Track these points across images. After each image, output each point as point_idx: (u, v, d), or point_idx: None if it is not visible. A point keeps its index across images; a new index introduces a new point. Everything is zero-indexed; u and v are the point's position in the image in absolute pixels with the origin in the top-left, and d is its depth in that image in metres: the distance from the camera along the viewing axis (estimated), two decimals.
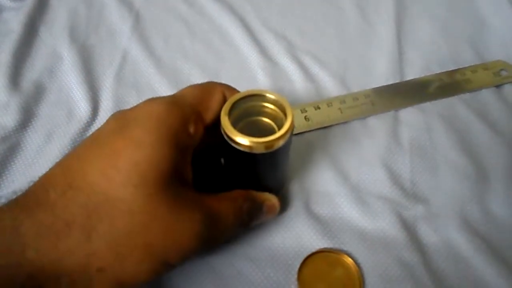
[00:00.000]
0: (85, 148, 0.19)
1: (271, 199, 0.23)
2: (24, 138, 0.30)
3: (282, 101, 0.21)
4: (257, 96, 0.22)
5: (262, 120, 0.22)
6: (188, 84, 0.27)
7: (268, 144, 0.20)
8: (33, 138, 0.30)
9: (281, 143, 0.20)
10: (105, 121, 0.20)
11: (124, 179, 0.17)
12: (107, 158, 0.17)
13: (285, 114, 0.21)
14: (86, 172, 0.17)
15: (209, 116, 0.21)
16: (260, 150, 0.20)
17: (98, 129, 0.19)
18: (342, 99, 0.32)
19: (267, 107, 0.22)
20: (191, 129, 0.19)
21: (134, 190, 0.17)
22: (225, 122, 0.20)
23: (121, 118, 0.19)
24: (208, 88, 0.21)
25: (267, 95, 0.22)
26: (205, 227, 0.18)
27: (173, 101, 0.20)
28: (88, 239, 0.16)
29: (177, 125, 0.19)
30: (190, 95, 0.21)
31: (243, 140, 0.19)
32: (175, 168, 0.18)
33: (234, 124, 0.20)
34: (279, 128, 0.20)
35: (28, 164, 0.28)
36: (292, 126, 0.20)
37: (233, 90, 0.22)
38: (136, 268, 0.17)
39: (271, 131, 0.20)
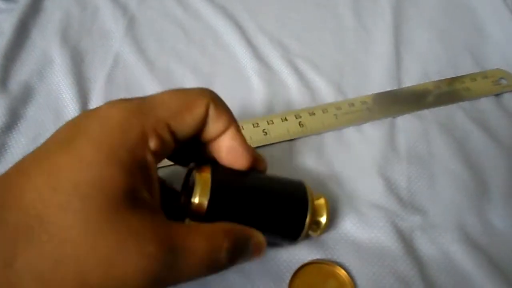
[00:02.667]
0: (28, 161, 0.16)
1: (258, 236, 0.19)
2: (10, 140, 0.29)
3: None
4: None
5: None
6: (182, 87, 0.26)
7: None
8: (18, 141, 0.29)
9: None
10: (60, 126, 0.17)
11: (62, 202, 0.14)
12: (47, 176, 0.15)
13: None
14: (24, 189, 0.15)
15: (182, 131, 0.18)
16: None
17: (48, 139, 0.17)
18: (337, 105, 0.31)
19: None
20: (152, 145, 0.17)
21: (72, 216, 0.14)
22: None
23: (73, 127, 0.17)
24: (190, 98, 0.19)
25: None
26: (158, 264, 0.15)
27: (137, 108, 0.17)
28: (9, 266, 0.14)
29: (135, 139, 0.16)
30: (164, 102, 0.18)
31: None
32: (128, 190, 0.15)
33: None
34: None
35: None
36: None
37: (221, 105, 0.19)
38: None
39: None
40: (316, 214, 0.22)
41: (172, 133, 0.18)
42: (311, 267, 0.23)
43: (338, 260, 0.24)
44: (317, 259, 0.24)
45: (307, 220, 0.22)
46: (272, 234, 0.22)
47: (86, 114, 0.17)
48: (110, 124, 0.16)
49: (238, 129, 0.20)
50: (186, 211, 0.20)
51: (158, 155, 0.18)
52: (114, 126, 0.16)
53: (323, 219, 0.23)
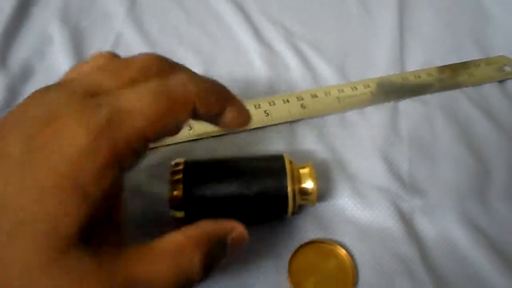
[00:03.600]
0: None
1: (236, 227, 0.17)
2: None
3: None
4: None
5: None
6: None
7: None
8: None
9: None
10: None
11: (9, 232, 0.12)
12: None
13: None
14: None
15: (161, 136, 0.16)
16: None
17: (3, 145, 0.14)
18: (340, 88, 0.31)
19: None
20: (124, 163, 0.14)
21: (16, 250, 0.12)
22: None
23: (28, 141, 0.13)
24: (173, 100, 0.15)
25: None
26: None
27: (108, 123, 0.14)
28: None
29: (103, 165, 0.13)
30: (141, 109, 0.14)
31: None
32: (84, 227, 0.13)
33: None
34: None
35: None
36: None
37: (209, 98, 0.17)
38: None
39: None
40: (300, 181, 0.22)
41: (149, 140, 0.15)
42: (311, 247, 0.23)
43: (338, 240, 0.24)
44: (317, 238, 0.24)
45: (289, 188, 0.22)
46: (261, 212, 0.23)
47: (46, 122, 0.14)
48: (74, 148, 0.13)
49: (233, 101, 0.18)
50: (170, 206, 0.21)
51: (130, 168, 0.15)
52: (79, 151, 0.13)
53: (309, 185, 0.22)
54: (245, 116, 0.19)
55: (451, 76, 0.32)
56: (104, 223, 0.14)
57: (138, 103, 0.14)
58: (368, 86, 0.31)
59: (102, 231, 0.14)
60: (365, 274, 0.23)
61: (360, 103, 0.30)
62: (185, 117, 0.16)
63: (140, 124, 0.14)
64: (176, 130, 0.16)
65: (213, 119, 0.18)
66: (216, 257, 0.16)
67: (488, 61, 0.34)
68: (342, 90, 0.31)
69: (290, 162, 0.23)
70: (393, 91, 0.31)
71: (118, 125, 0.14)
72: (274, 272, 0.23)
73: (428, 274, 0.23)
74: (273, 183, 0.22)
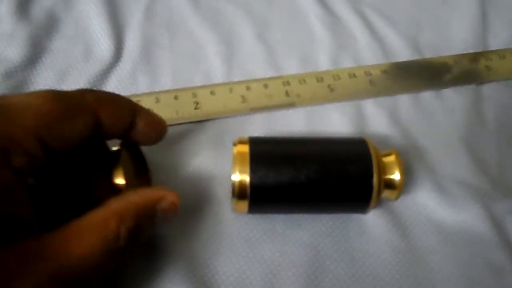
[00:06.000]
0: None
1: (168, 195, 0.16)
2: (32, 75, 0.24)
3: None
4: None
5: None
6: (233, 31, 0.23)
7: None
8: (42, 77, 0.25)
9: None
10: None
11: None
12: None
13: None
14: None
15: (61, 143, 0.15)
16: None
17: None
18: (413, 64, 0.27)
19: None
20: (15, 162, 0.14)
21: None
22: None
23: None
24: (70, 104, 0.15)
25: None
26: None
27: None
28: None
29: None
30: (32, 107, 0.14)
31: None
32: None
33: None
34: None
35: None
36: None
37: (110, 106, 0.17)
38: None
39: None
40: (385, 171, 0.19)
41: (46, 144, 0.15)
42: None
43: (418, 243, 0.20)
44: None
45: (375, 179, 0.18)
46: (337, 205, 0.19)
47: None
48: None
49: (143, 110, 0.18)
50: None
51: (25, 171, 0.14)
52: None
53: (396, 176, 0.19)
54: (160, 123, 0.19)
55: None
56: (13, 223, 0.14)
57: (30, 101, 0.14)
58: (446, 64, 0.27)
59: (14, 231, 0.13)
60: (453, 283, 0.19)
61: (437, 84, 0.26)
62: (83, 125, 0.15)
63: (31, 122, 0.14)
64: (74, 139, 0.16)
65: (123, 132, 0.17)
66: (144, 226, 0.16)
67: None
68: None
69: (374, 148, 0.19)
70: (473, 70, 0.27)
71: (8, 119, 0.14)
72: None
73: None
74: (357, 174, 0.18)
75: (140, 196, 0.16)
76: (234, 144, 0.19)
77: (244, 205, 0.18)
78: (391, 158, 0.19)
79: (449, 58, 0.27)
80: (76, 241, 0.14)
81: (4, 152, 0.13)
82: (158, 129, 0.19)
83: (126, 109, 0.17)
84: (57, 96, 0.15)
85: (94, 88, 0.24)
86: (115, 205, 0.15)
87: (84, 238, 0.14)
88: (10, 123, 0.14)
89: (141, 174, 0.19)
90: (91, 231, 0.14)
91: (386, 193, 0.19)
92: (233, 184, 0.18)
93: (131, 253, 0.16)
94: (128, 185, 0.18)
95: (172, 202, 0.17)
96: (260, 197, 0.18)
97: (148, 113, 0.18)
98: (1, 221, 0.13)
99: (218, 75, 0.25)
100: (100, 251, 0.14)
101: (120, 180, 0.18)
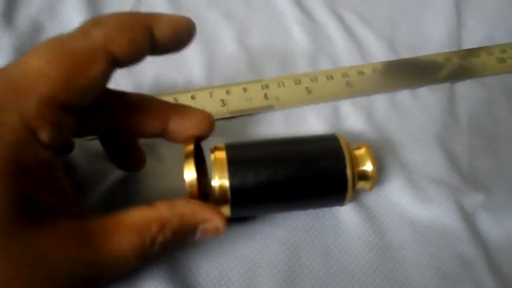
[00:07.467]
0: None
1: (214, 219, 0.16)
2: None
3: None
4: None
5: None
6: (214, 36, 0.21)
7: None
8: None
9: None
10: None
11: None
12: None
13: None
14: None
15: (83, 99, 0.14)
16: None
17: None
18: (389, 64, 0.27)
19: None
20: (43, 136, 0.13)
21: None
22: None
23: None
24: (79, 55, 0.14)
25: None
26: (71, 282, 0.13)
27: (8, 94, 0.13)
28: None
29: (14, 141, 0.13)
30: (44, 73, 0.13)
31: None
32: (19, 202, 0.13)
33: None
34: None
35: None
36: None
37: (122, 32, 0.15)
38: None
39: None
40: (358, 163, 0.20)
41: (69, 107, 0.14)
42: None
43: (392, 238, 0.21)
44: None
45: (348, 171, 0.19)
46: (315, 199, 0.20)
47: None
48: None
49: (157, 17, 0.16)
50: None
51: (57, 143, 0.14)
52: None
53: (369, 167, 0.20)
54: (183, 22, 0.16)
55: None
56: (45, 203, 0.14)
57: (39, 67, 0.13)
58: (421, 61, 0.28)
59: (44, 211, 0.13)
60: (425, 277, 0.20)
61: (412, 82, 0.27)
62: (98, 70, 0.14)
63: (47, 90, 0.13)
64: (97, 87, 0.15)
65: (147, 51, 0.16)
66: (181, 240, 0.16)
67: None
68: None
69: (346, 142, 0.20)
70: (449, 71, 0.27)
71: (23, 93, 0.13)
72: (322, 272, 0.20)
73: (494, 279, 0.20)
74: (331, 169, 0.19)
75: (188, 211, 0.16)
76: (212, 151, 0.19)
77: (226, 209, 0.19)
78: (362, 151, 0.20)
79: (426, 57, 0.28)
80: (117, 236, 0.14)
81: (28, 130, 0.13)
82: (183, 29, 0.16)
83: (139, 31, 0.15)
84: (60, 54, 0.14)
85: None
86: (162, 210, 0.15)
87: (124, 234, 0.14)
88: (29, 96, 0.13)
89: (202, 167, 0.20)
90: (132, 229, 0.14)
91: (360, 184, 0.20)
92: (213, 189, 0.18)
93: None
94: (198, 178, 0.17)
95: (216, 226, 0.16)
96: (241, 199, 0.18)
97: (165, 17, 0.16)
98: (40, 200, 0.13)
99: (198, 79, 0.26)
100: (133, 251, 0.14)
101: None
